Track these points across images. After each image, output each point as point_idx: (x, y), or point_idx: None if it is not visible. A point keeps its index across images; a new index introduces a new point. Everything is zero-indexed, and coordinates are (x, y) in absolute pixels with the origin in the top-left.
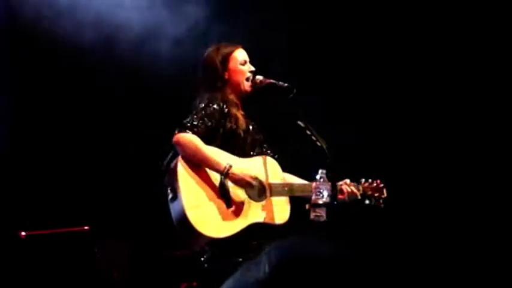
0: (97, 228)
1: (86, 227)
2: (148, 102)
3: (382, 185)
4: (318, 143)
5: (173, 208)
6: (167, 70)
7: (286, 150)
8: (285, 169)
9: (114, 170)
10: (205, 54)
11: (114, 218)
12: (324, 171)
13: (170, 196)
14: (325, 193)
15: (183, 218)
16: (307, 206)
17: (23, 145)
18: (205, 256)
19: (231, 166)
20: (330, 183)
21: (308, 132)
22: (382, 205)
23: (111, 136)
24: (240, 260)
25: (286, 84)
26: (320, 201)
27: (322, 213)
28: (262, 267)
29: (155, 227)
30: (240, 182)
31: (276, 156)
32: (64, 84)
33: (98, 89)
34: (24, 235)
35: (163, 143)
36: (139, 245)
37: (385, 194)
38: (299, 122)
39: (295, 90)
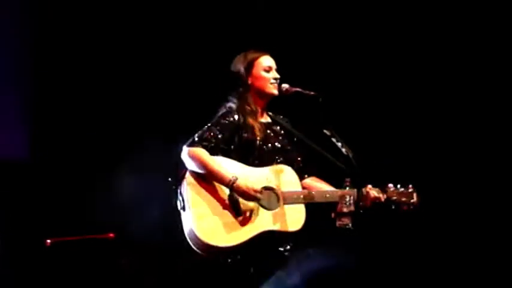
0: (123, 235)
1: (111, 234)
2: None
3: (411, 189)
4: (344, 152)
5: (183, 219)
6: None
7: (313, 159)
8: (313, 173)
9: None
10: (233, 60)
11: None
12: (349, 179)
13: (180, 206)
14: (350, 201)
15: (191, 230)
16: (332, 215)
17: (45, 151)
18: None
19: (236, 179)
20: (355, 191)
21: (334, 141)
22: (411, 209)
23: (138, 142)
24: (260, 267)
25: (312, 93)
26: (345, 210)
27: (347, 221)
28: (293, 278)
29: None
30: (245, 195)
31: (300, 161)
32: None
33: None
34: (50, 242)
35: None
36: (167, 251)
37: (415, 199)
38: (325, 131)
39: (321, 99)
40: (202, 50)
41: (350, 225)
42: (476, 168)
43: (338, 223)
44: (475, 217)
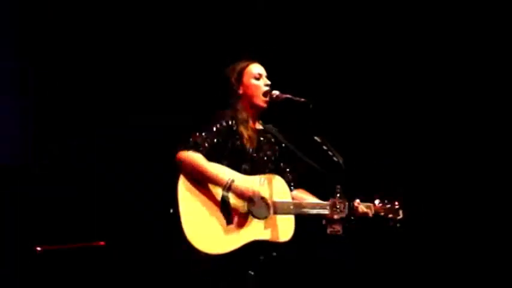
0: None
1: (101, 242)
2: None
3: (397, 206)
4: (335, 159)
5: (174, 223)
6: None
7: (302, 166)
8: (300, 185)
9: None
10: (224, 72)
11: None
12: (340, 186)
13: (172, 211)
14: (341, 208)
15: (181, 234)
16: (323, 222)
17: (45, 153)
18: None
19: (233, 180)
20: (345, 199)
21: (325, 148)
22: (398, 226)
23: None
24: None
25: (303, 99)
26: (336, 216)
27: (338, 228)
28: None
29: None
30: (242, 195)
31: (288, 172)
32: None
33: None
34: (40, 250)
35: None
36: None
37: (401, 216)
38: (316, 138)
39: (311, 105)
40: (201, 50)
41: (341, 231)
42: (472, 173)
43: (329, 230)
44: (474, 218)
